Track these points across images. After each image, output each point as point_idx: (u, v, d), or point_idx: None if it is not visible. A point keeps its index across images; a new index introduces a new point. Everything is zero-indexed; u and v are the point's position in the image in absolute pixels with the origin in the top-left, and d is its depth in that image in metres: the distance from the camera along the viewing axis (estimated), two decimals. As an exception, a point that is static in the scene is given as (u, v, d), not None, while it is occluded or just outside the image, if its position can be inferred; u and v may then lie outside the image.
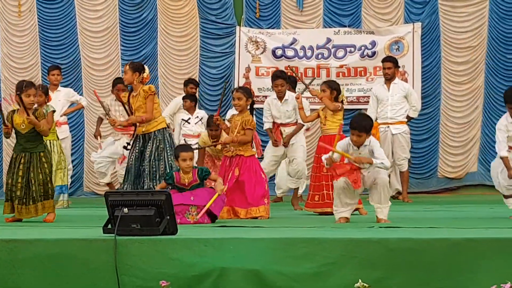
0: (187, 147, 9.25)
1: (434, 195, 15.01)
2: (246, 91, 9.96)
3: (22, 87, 8.72)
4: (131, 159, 10.15)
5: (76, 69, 15.72)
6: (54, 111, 9.36)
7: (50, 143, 10.68)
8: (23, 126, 8.76)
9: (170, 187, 8.83)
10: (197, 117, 13.15)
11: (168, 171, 9.64)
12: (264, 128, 11.85)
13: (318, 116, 10.34)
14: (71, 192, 14.07)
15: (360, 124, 8.21)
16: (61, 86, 13.58)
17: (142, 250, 6.09)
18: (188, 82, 13.73)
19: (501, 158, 9.06)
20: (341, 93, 10.31)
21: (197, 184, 8.79)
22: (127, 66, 10.22)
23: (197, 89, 13.95)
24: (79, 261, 6.12)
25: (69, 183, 12.38)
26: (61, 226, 8.23)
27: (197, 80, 14.57)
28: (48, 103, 10.31)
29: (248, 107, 9.68)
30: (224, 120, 10.64)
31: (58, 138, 11.48)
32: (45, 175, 8.83)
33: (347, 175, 8.18)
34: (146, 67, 10.44)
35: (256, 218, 9.25)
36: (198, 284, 5.99)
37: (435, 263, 5.93)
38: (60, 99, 13.17)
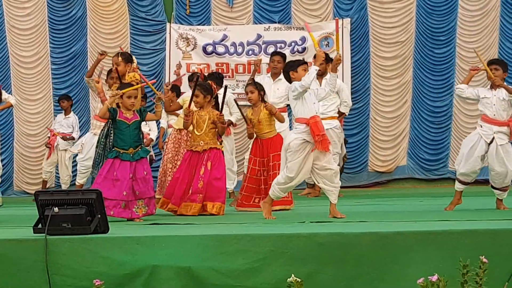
0: (130, 84, 9.28)
1: (364, 189, 15.14)
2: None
3: None
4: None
5: (5, 67, 15.53)
6: None
7: None
8: None
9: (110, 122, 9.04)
10: None
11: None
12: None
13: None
14: (2, 191, 13.90)
15: None
16: None
17: (73, 249, 6.07)
18: None
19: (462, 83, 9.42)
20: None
21: (138, 121, 8.93)
22: (119, 58, 10.09)
23: None
24: (10, 261, 6.07)
25: None
26: (-9, 227, 8.16)
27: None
28: None
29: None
30: None
31: None
32: None
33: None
34: (133, 57, 10.41)
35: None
36: (130, 282, 5.99)
37: (364, 256, 6.00)
38: None
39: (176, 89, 12.87)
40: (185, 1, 15.53)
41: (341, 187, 12.15)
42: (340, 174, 13.39)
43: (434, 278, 5.59)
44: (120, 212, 8.63)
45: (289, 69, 8.63)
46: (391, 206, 10.70)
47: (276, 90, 11.77)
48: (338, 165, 12.94)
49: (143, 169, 8.86)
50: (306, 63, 8.75)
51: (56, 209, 6.31)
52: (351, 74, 15.05)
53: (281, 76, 11.00)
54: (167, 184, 10.49)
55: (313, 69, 8.38)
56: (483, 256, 5.67)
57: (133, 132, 8.86)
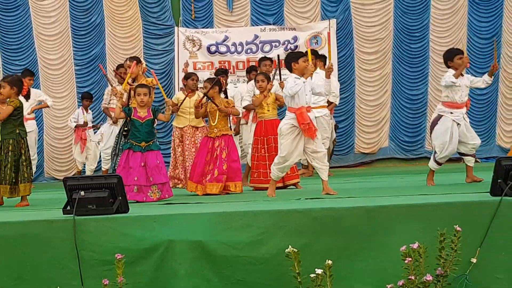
0: (142, 84, 9.29)
1: (352, 168, 15.14)
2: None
3: None
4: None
5: (34, 69, 15.48)
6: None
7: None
8: None
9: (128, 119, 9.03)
10: None
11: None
12: (243, 105, 11.73)
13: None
14: (34, 178, 13.87)
15: None
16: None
17: (98, 228, 6.04)
18: None
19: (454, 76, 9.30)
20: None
21: (151, 120, 8.93)
22: (132, 61, 10.12)
23: None
24: (43, 240, 6.04)
25: (33, 171, 12.25)
26: (25, 209, 8.14)
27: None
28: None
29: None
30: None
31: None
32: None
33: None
34: (142, 59, 10.42)
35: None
36: (149, 255, 5.97)
37: (353, 228, 5.97)
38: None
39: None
40: (191, 7, 15.51)
41: (331, 167, 12.22)
42: (331, 156, 13.49)
43: (415, 246, 5.59)
44: (134, 195, 8.63)
45: (291, 60, 8.58)
46: (376, 183, 10.69)
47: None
48: (329, 148, 12.98)
49: (156, 158, 8.85)
50: (305, 55, 8.70)
51: (82, 193, 6.28)
52: (338, 68, 15.02)
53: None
54: (181, 175, 10.60)
55: (301, 81, 8.39)
56: (457, 225, 5.68)
57: (145, 128, 8.86)
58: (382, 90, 15.27)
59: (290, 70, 8.59)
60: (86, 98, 14.56)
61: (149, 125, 8.93)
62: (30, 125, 12.88)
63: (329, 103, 12.90)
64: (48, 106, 13.86)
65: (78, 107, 15.11)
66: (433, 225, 5.86)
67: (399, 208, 6.10)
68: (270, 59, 12.20)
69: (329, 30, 15.13)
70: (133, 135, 8.90)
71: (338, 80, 14.66)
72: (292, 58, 8.57)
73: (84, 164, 14.73)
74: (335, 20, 15.21)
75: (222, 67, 14.78)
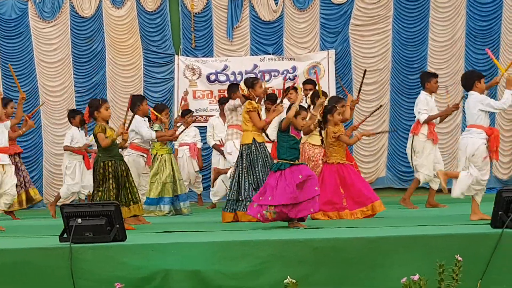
0: (305, 108, 8.70)
1: (350, 198, 15.00)
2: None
3: None
4: None
5: (35, 96, 15.41)
6: None
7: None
8: None
9: None
10: None
11: None
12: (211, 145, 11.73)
13: None
14: (33, 205, 13.69)
15: None
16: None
17: (95, 256, 5.95)
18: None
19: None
20: None
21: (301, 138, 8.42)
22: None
23: None
24: (39, 267, 5.96)
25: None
26: (22, 236, 7.99)
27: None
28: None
29: None
30: None
31: None
32: None
33: None
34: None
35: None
36: (146, 285, 5.86)
37: (353, 259, 5.88)
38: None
39: (187, 113, 12.85)
40: (191, 36, 15.46)
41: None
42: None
43: (416, 277, 5.45)
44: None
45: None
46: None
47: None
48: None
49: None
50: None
51: (79, 220, 6.17)
52: (336, 98, 14.93)
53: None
54: None
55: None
56: (458, 255, 5.55)
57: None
58: (380, 120, 15.18)
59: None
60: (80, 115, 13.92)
61: None
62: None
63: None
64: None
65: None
66: (433, 257, 5.77)
67: (400, 239, 6.01)
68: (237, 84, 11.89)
69: (328, 60, 15.09)
70: (290, 152, 8.21)
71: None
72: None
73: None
74: (334, 50, 15.17)
75: (221, 96, 14.71)
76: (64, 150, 13.06)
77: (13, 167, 9.36)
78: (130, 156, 10.00)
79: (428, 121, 10.91)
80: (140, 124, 10.09)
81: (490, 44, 14.80)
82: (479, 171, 8.04)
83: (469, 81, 8.29)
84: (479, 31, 14.92)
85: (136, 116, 9.57)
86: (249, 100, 9.53)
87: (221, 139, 12.67)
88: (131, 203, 8.61)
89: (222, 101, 13.00)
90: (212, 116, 13.91)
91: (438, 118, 11.21)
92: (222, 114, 12.89)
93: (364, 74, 10.76)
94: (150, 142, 10.39)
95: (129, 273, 5.85)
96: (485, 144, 8.08)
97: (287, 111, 8.29)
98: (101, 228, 6.18)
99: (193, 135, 13.44)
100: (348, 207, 9.12)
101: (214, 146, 12.87)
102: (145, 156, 10.21)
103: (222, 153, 12.18)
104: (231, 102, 10.56)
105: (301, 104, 8.45)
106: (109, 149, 8.58)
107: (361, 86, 10.72)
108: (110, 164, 8.54)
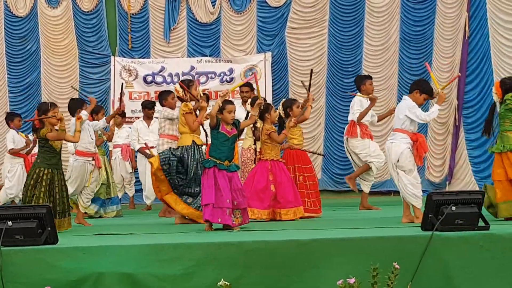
0: (231, 102, 8.48)
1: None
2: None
3: None
4: None
5: (-33, 95, 15.16)
6: None
7: None
8: None
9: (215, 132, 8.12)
10: None
11: None
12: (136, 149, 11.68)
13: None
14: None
15: None
16: None
17: (25, 259, 5.83)
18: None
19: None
20: None
21: (236, 135, 8.18)
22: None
23: None
24: (-33, 272, 5.80)
25: None
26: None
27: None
28: None
29: None
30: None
31: None
32: None
33: None
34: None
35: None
36: (78, 287, 5.77)
37: (286, 261, 5.88)
38: None
39: (122, 114, 12.75)
40: (128, 37, 15.35)
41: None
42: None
43: (352, 280, 5.47)
44: (227, 219, 7.87)
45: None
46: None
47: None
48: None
49: (239, 180, 8.20)
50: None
51: (10, 223, 6.05)
52: (273, 100, 14.96)
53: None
54: None
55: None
56: (396, 263, 5.60)
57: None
58: (316, 123, 15.26)
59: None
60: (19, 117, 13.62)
61: (236, 137, 8.30)
62: None
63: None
64: None
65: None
66: (365, 259, 5.81)
67: (333, 241, 6.04)
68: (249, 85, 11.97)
69: (265, 63, 15.13)
70: (218, 151, 8.08)
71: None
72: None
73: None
74: (271, 53, 15.22)
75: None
76: (10, 153, 12.78)
77: None
78: (76, 162, 9.84)
79: (360, 118, 10.99)
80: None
81: (423, 49, 15.02)
82: (409, 174, 8.12)
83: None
84: (413, 36, 15.12)
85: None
86: (185, 102, 9.50)
87: (145, 143, 12.60)
88: (58, 216, 8.37)
89: (145, 105, 12.98)
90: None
91: (376, 118, 11.38)
92: (146, 118, 12.88)
93: (311, 73, 10.86)
94: (94, 144, 10.21)
95: (60, 276, 5.76)
96: (409, 148, 8.14)
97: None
98: (32, 231, 6.07)
99: (125, 136, 13.27)
100: (273, 206, 9.30)
101: (139, 150, 12.72)
102: (91, 160, 9.96)
103: (148, 156, 12.11)
104: (170, 111, 10.33)
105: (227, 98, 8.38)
106: (48, 157, 8.39)
107: (309, 86, 10.75)
108: (46, 172, 8.35)
